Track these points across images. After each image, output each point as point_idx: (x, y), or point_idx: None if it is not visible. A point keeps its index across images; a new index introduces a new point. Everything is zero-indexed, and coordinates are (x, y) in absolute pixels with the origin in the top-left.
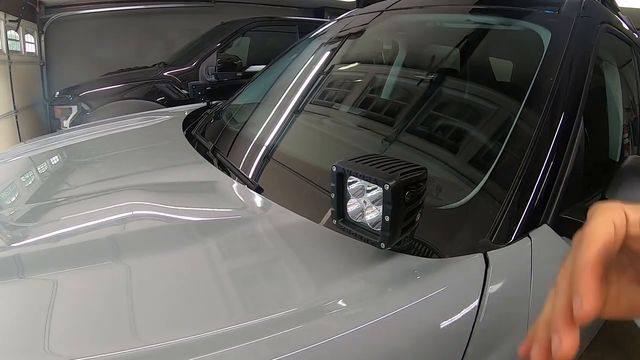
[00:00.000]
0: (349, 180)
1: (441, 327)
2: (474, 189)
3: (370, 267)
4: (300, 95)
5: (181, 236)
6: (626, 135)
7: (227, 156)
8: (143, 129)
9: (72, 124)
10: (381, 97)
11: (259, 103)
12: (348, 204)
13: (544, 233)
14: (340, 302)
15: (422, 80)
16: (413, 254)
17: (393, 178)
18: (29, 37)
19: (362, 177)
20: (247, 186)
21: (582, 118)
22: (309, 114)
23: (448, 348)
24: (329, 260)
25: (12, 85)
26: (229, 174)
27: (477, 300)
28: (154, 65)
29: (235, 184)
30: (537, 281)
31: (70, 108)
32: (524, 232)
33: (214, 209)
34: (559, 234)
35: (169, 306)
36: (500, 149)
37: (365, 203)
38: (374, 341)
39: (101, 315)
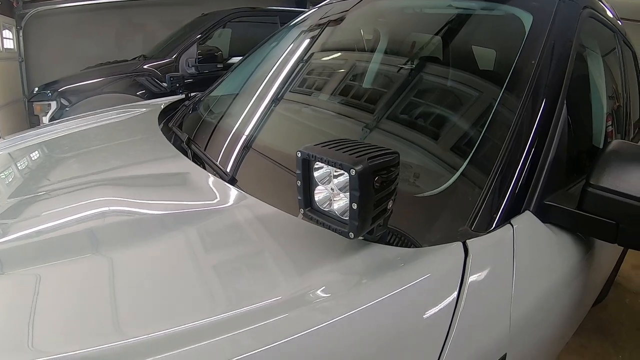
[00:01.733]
0: (315, 167)
1: (420, 317)
2: (452, 175)
3: (344, 258)
4: (277, 85)
5: (157, 228)
6: (610, 123)
7: (201, 148)
8: (118, 123)
9: (51, 119)
10: (360, 84)
11: (236, 94)
12: (315, 191)
13: (527, 220)
14: (311, 295)
15: (401, 67)
16: (389, 244)
17: (360, 163)
18: (6, 33)
19: (328, 163)
20: (222, 178)
21: (565, 104)
22: (285, 104)
23: (427, 338)
24: (300, 252)
25: None
26: (203, 167)
27: (457, 290)
28: (134, 58)
29: (211, 177)
30: (520, 269)
31: (50, 104)
32: (506, 219)
33: (188, 201)
34: (542, 220)
35: (150, 298)
36: (480, 135)
37: (333, 190)
38: (348, 334)
39: (83, 309)
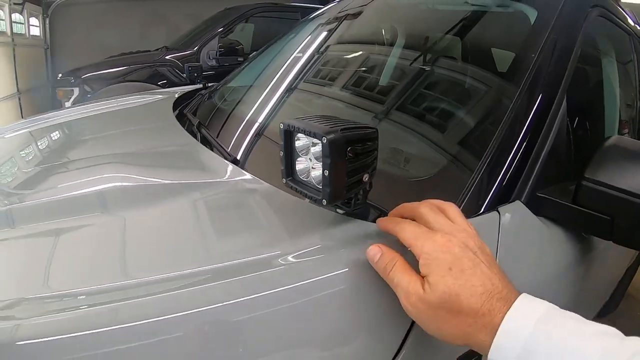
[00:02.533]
0: (296, 138)
1: (381, 297)
2: (444, 160)
3: (325, 229)
4: (290, 76)
5: (162, 194)
6: (625, 130)
7: (209, 131)
8: (134, 108)
9: (73, 105)
10: (367, 76)
11: (250, 85)
12: (297, 162)
13: (516, 209)
14: (288, 258)
15: (404, 59)
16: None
17: (332, 132)
18: (33, 21)
19: (305, 133)
20: (226, 159)
21: (565, 99)
22: (297, 94)
23: (395, 318)
24: (284, 221)
25: (15, 68)
26: (211, 148)
27: None
28: (157, 49)
29: (217, 157)
30: (503, 256)
31: (72, 90)
32: (493, 207)
33: (192, 176)
34: (534, 212)
35: (150, 249)
36: (473, 123)
37: (311, 160)
38: (321, 295)
39: (94, 255)
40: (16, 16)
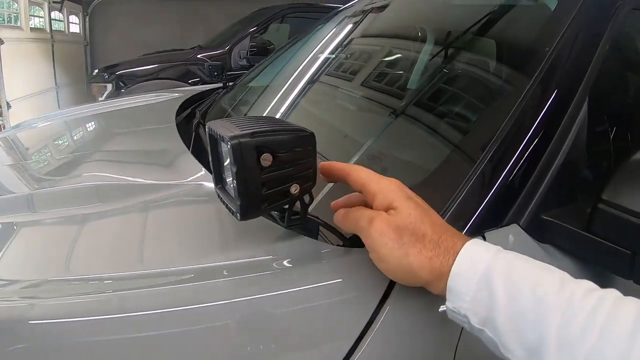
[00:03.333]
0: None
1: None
2: (426, 169)
3: (269, 243)
4: (305, 74)
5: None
6: None
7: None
8: (145, 106)
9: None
10: (375, 70)
11: (266, 85)
12: (225, 169)
13: (508, 234)
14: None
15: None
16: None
17: (239, 136)
18: (73, 18)
19: (215, 135)
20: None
21: (587, 103)
22: (306, 96)
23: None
24: (228, 229)
25: (54, 63)
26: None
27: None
28: (191, 48)
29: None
30: None
31: (106, 86)
32: (477, 231)
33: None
34: (537, 239)
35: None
36: (466, 124)
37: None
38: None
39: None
40: (56, 14)
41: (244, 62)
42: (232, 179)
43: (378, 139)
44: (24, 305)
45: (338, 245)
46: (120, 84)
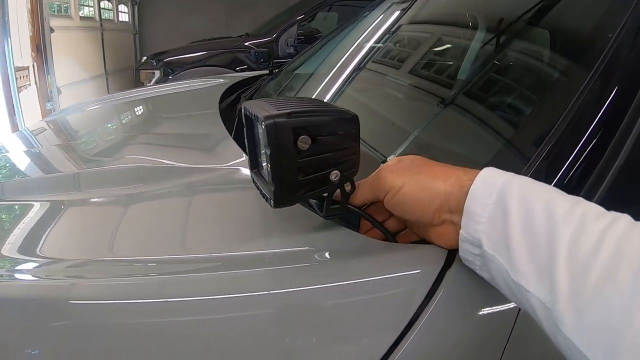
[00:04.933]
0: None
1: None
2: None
3: (310, 234)
4: (352, 60)
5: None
6: None
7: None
8: (191, 92)
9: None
10: (423, 58)
11: (312, 72)
12: (261, 152)
13: None
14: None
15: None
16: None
17: (275, 116)
18: (122, 7)
19: (252, 117)
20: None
21: None
22: (355, 83)
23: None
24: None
25: (103, 50)
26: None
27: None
28: (239, 36)
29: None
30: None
31: (154, 72)
32: None
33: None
34: None
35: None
36: (516, 122)
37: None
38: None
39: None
40: (105, 3)
41: (291, 50)
42: (267, 163)
43: (425, 129)
44: (67, 285)
45: (380, 239)
46: (168, 70)
